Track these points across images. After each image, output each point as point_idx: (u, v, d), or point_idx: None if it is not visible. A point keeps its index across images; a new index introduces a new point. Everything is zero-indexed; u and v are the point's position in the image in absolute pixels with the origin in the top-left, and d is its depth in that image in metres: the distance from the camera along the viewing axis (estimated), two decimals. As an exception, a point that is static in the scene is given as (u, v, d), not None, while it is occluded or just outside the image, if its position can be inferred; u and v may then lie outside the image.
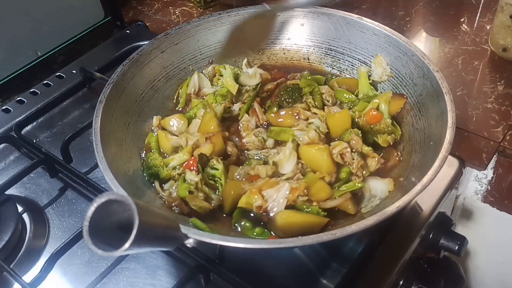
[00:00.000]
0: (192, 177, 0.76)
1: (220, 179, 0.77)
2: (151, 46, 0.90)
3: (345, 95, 0.90)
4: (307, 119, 0.85)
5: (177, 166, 0.80)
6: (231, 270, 0.70)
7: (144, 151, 0.85)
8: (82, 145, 0.93)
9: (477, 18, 1.17)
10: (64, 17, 1.14)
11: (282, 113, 0.87)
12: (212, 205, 0.75)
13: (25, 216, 0.83)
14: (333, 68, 0.96)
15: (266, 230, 0.72)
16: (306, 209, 0.72)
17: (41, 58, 1.13)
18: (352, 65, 0.94)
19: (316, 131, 0.82)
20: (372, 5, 1.24)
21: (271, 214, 0.72)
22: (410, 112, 0.83)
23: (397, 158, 0.80)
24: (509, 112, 0.94)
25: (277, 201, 0.72)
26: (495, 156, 0.90)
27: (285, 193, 0.73)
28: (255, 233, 0.72)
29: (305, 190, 0.74)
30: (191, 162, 0.78)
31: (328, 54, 0.96)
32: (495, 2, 1.04)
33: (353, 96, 0.89)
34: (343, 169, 0.78)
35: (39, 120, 1.01)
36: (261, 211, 0.72)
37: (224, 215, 0.75)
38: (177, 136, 0.85)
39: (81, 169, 0.87)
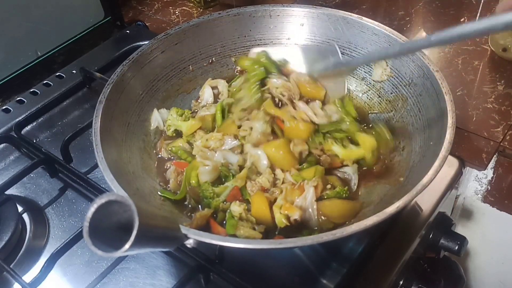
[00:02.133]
0: (236, 207, 0.74)
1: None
2: (151, 46, 0.90)
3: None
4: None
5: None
6: (231, 270, 0.70)
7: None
8: (82, 145, 0.93)
9: (477, 18, 1.17)
10: (64, 17, 1.14)
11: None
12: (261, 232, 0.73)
13: (25, 216, 0.83)
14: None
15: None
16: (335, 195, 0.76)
17: (41, 58, 1.13)
18: (352, 65, 0.94)
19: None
20: (372, 5, 1.24)
21: (309, 216, 0.73)
22: (410, 112, 0.83)
23: (384, 165, 0.81)
24: (509, 112, 0.94)
25: (309, 207, 0.73)
26: (495, 156, 0.90)
27: (311, 196, 0.74)
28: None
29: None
30: (234, 192, 0.76)
31: (328, 54, 0.96)
32: (495, 2, 1.04)
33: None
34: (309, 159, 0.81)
35: (39, 120, 1.01)
36: (298, 221, 0.73)
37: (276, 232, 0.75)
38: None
39: (81, 169, 0.87)
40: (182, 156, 0.84)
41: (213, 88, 0.95)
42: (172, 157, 0.86)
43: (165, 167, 0.84)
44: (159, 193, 0.79)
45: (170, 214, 0.75)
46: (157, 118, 0.89)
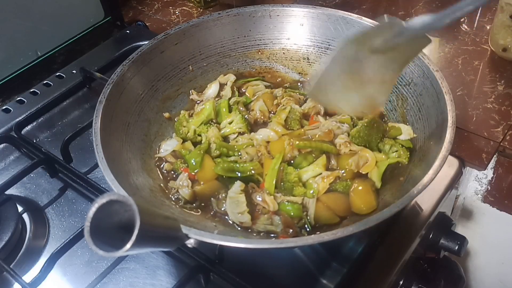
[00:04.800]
0: None
1: None
2: (151, 46, 0.90)
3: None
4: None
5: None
6: (231, 270, 0.70)
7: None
8: (82, 145, 0.93)
9: (477, 18, 1.17)
10: (64, 17, 1.14)
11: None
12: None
13: (25, 216, 0.83)
14: (333, 68, 0.96)
15: None
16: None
17: (41, 58, 1.12)
18: (352, 65, 0.94)
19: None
20: (372, 5, 1.24)
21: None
22: (410, 112, 0.83)
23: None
24: (509, 112, 0.94)
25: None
26: (495, 156, 0.90)
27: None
28: None
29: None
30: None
31: (327, 54, 0.96)
32: (495, 2, 1.04)
33: None
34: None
35: (39, 120, 1.01)
36: None
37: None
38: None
39: (81, 169, 0.87)
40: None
41: (222, 84, 0.96)
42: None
43: (162, 166, 0.84)
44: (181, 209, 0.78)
45: (171, 214, 0.75)
46: (167, 148, 0.87)
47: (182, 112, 0.91)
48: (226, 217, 0.76)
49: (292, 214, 0.73)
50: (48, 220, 0.83)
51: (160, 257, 0.77)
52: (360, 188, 0.75)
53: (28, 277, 0.73)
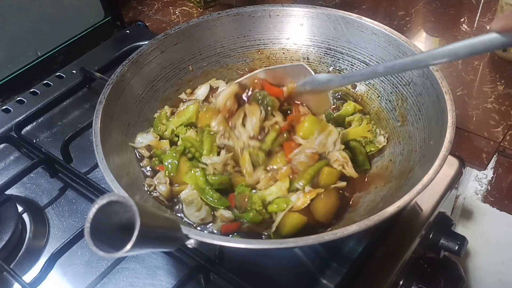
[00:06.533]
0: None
1: None
2: (151, 46, 0.90)
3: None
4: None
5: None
6: (231, 270, 0.70)
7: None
8: (82, 145, 0.93)
9: (477, 18, 1.17)
10: (64, 17, 1.14)
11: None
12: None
13: (25, 216, 0.83)
14: (333, 68, 0.96)
15: None
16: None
17: (41, 58, 1.13)
18: (352, 65, 0.94)
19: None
20: (372, 5, 1.24)
21: None
22: (410, 112, 0.83)
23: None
24: (509, 112, 0.94)
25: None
26: (495, 156, 0.91)
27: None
28: None
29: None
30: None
31: (327, 54, 0.96)
32: (495, 2, 1.04)
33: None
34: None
35: (39, 120, 1.01)
36: None
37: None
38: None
39: (81, 169, 0.87)
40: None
41: (212, 88, 0.95)
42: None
43: (141, 165, 0.83)
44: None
45: (171, 214, 0.75)
46: (142, 140, 0.85)
47: (166, 107, 0.91)
48: (185, 219, 0.76)
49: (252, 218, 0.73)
50: (48, 220, 0.84)
51: (160, 257, 0.77)
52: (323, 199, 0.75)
53: (28, 277, 0.73)
